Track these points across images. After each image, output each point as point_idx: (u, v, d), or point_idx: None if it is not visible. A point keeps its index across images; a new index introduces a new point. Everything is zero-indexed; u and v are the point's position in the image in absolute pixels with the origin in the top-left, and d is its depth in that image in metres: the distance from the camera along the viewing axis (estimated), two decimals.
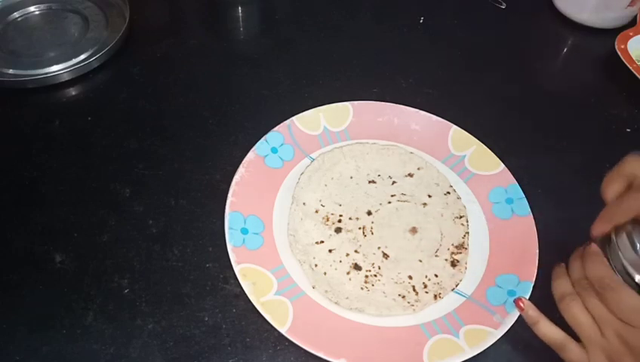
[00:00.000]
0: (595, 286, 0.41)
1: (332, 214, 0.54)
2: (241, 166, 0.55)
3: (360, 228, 0.53)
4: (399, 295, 0.49)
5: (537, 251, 0.51)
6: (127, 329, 0.47)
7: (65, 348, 0.46)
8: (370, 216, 0.54)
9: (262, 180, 0.55)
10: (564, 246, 0.53)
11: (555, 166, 0.59)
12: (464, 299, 0.50)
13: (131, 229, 0.53)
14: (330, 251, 0.52)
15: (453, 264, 0.52)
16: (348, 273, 0.50)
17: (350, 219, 0.54)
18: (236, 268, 0.48)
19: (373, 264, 0.51)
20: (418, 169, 0.58)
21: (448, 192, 0.56)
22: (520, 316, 0.47)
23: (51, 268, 0.50)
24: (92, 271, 0.50)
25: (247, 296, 0.47)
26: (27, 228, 0.53)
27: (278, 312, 0.47)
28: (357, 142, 0.59)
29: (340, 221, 0.54)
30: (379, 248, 0.52)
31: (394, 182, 0.57)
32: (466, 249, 0.53)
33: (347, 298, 0.48)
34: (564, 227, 0.54)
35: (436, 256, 0.52)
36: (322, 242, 0.52)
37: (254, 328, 0.47)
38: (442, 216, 0.55)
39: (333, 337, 0.46)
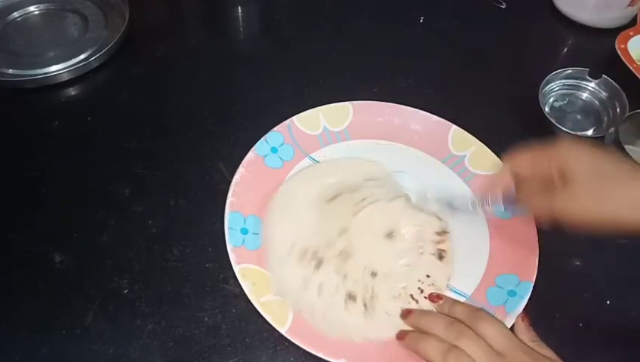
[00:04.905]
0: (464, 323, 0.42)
1: (307, 249, 0.51)
2: (241, 166, 0.55)
3: (340, 254, 0.51)
4: (402, 309, 0.48)
5: (537, 251, 0.51)
6: (127, 329, 0.47)
7: (65, 349, 0.46)
8: (345, 235, 0.51)
9: (262, 180, 0.55)
10: (564, 246, 0.53)
11: None
12: (464, 299, 0.49)
13: (131, 229, 0.53)
14: (319, 291, 0.49)
15: (440, 256, 0.51)
16: (346, 307, 0.48)
17: (327, 247, 0.51)
18: (236, 268, 0.48)
19: (365, 286, 0.49)
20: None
21: None
22: (520, 316, 0.47)
23: (51, 268, 0.50)
24: (92, 271, 0.50)
25: (247, 296, 0.47)
26: (27, 228, 0.53)
27: (278, 312, 0.47)
28: (302, 168, 0.57)
29: (317, 254, 0.51)
30: (365, 268, 0.50)
31: (354, 191, 0.55)
32: (447, 233, 0.52)
33: (357, 330, 0.47)
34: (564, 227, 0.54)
35: (421, 253, 0.51)
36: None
37: (254, 328, 0.47)
38: (412, 206, 0.53)
39: (333, 337, 0.46)
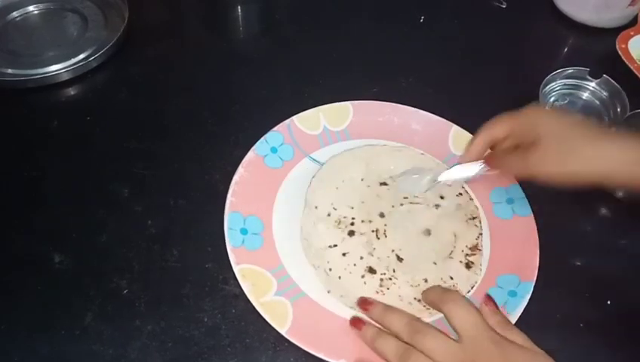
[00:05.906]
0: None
1: (344, 217, 0.53)
2: (240, 166, 0.55)
3: (373, 231, 0.52)
4: (415, 298, 0.49)
5: (538, 251, 0.51)
6: (126, 330, 0.47)
7: (64, 349, 0.46)
8: (383, 219, 0.53)
9: (261, 180, 0.55)
10: (565, 246, 0.53)
11: None
12: None
13: (131, 229, 0.53)
14: (344, 254, 0.51)
15: (468, 266, 0.51)
16: (363, 276, 0.49)
17: (363, 221, 0.53)
18: (236, 269, 0.48)
19: (387, 267, 0.50)
20: (429, 170, 0.56)
21: (460, 193, 0.56)
22: (520, 316, 0.47)
23: (51, 268, 0.50)
24: (91, 271, 0.50)
25: (246, 297, 0.47)
26: (27, 228, 0.53)
27: (277, 313, 0.47)
28: (367, 145, 0.58)
29: (352, 224, 0.52)
30: (393, 251, 0.51)
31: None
32: (480, 250, 0.52)
33: None
34: (565, 227, 0.54)
35: (450, 257, 0.51)
36: (335, 246, 0.51)
37: (254, 329, 0.47)
38: (455, 217, 0.54)
39: (333, 338, 0.46)
